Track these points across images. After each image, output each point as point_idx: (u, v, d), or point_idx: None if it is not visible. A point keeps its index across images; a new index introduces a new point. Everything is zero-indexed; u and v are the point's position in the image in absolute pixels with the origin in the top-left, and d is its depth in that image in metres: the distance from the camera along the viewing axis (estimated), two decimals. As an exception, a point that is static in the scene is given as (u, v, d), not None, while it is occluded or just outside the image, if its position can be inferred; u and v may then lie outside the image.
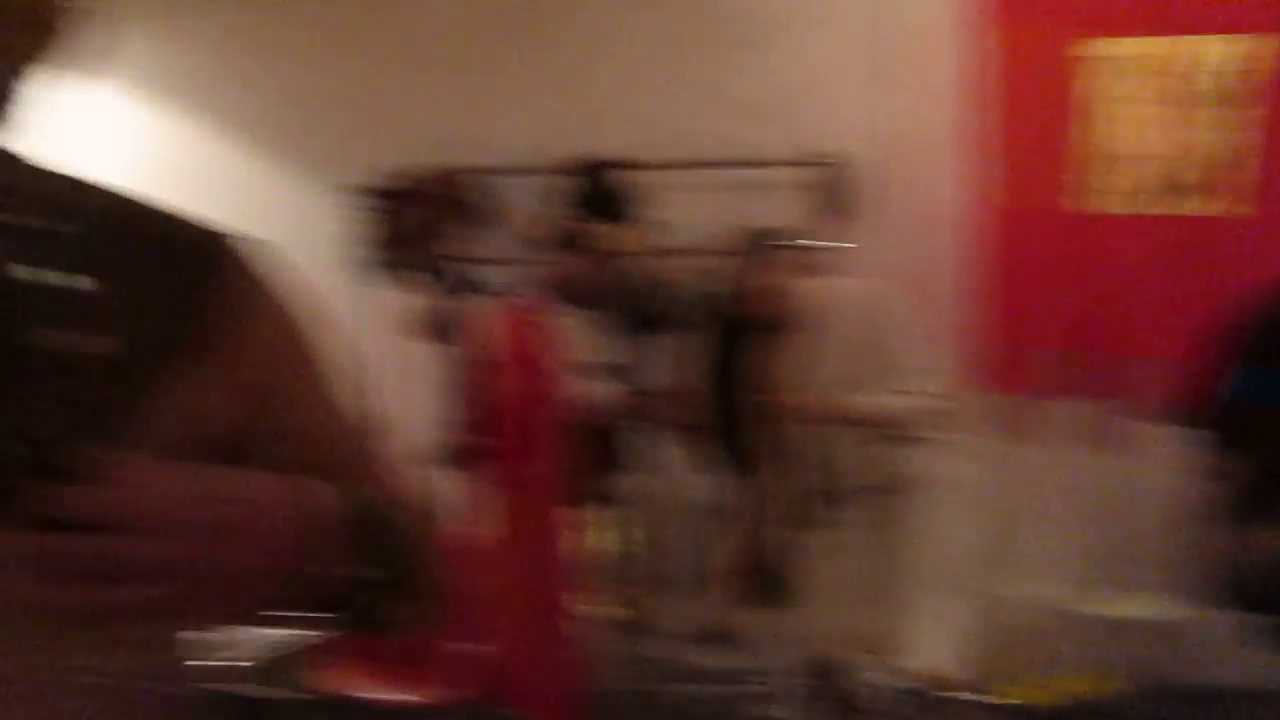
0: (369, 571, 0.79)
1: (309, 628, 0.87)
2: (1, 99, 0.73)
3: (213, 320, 0.80)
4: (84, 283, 0.74)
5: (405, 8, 3.80)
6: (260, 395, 0.84)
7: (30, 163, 0.82)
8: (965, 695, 3.13)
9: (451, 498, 3.20)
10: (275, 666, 2.99)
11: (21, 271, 0.73)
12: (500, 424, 3.09)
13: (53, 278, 0.74)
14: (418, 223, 3.28)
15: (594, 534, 3.23)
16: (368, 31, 3.80)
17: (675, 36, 3.65)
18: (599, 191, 3.23)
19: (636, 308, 3.16)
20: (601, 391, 3.08)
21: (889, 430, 2.82)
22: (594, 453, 3.11)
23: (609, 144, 3.43)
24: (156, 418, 0.76)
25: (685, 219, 3.34)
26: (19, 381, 0.70)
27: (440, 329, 3.26)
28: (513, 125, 3.64)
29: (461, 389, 3.21)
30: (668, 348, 3.24)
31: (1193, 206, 3.29)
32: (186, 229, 0.83)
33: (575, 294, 3.06)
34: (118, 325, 0.74)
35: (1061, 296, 3.38)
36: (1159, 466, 2.88)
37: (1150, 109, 3.29)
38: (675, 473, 3.35)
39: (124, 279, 0.76)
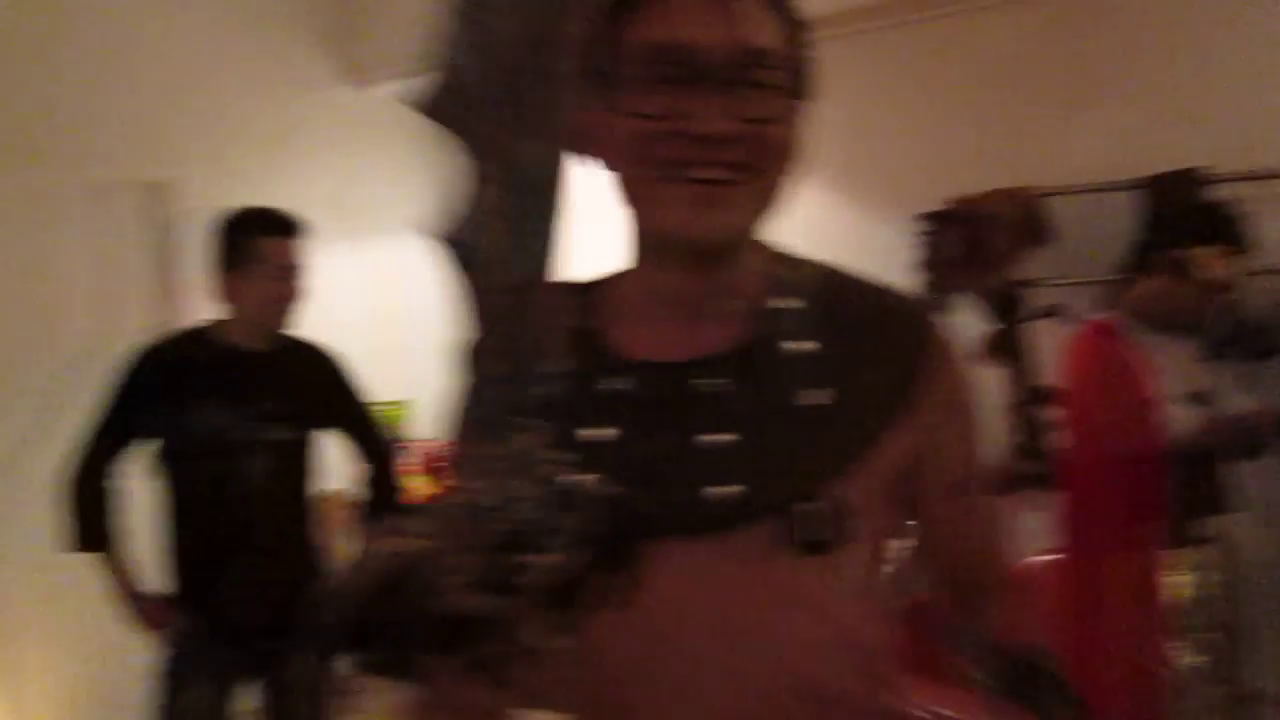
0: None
1: None
2: (771, 207, 0.92)
3: (913, 380, 0.95)
4: (810, 347, 0.92)
5: (972, 34, 3.80)
6: (932, 451, 0.98)
7: (774, 250, 0.99)
8: None
9: (1016, 526, 3.14)
10: None
11: (781, 344, 0.92)
12: (1077, 452, 2.98)
13: (792, 345, 0.92)
14: (982, 245, 3.25)
15: (1176, 575, 3.00)
16: (934, 60, 3.85)
17: (1264, 29, 3.32)
18: (1185, 208, 3.01)
19: (1233, 333, 2.91)
20: (1188, 421, 2.85)
21: None
22: (1179, 487, 2.90)
23: (1197, 155, 3.19)
24: (865, 466, 0.92)
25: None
26: (783, 435, 0.90)
27: (1003, 354, 3.21)
28: (1088, 141, 3.51)
29: (1029, 415, 3.14)
30: (1268, 374, 2.95)
31: None
32: (892, 299, 1.00)
33: (1158, 318, 2.87)
34: (836, 382, 0.91)
35: None
36: None
37: None
38: (1272, 512, 3.03)
39: (841, 343, 0.93)
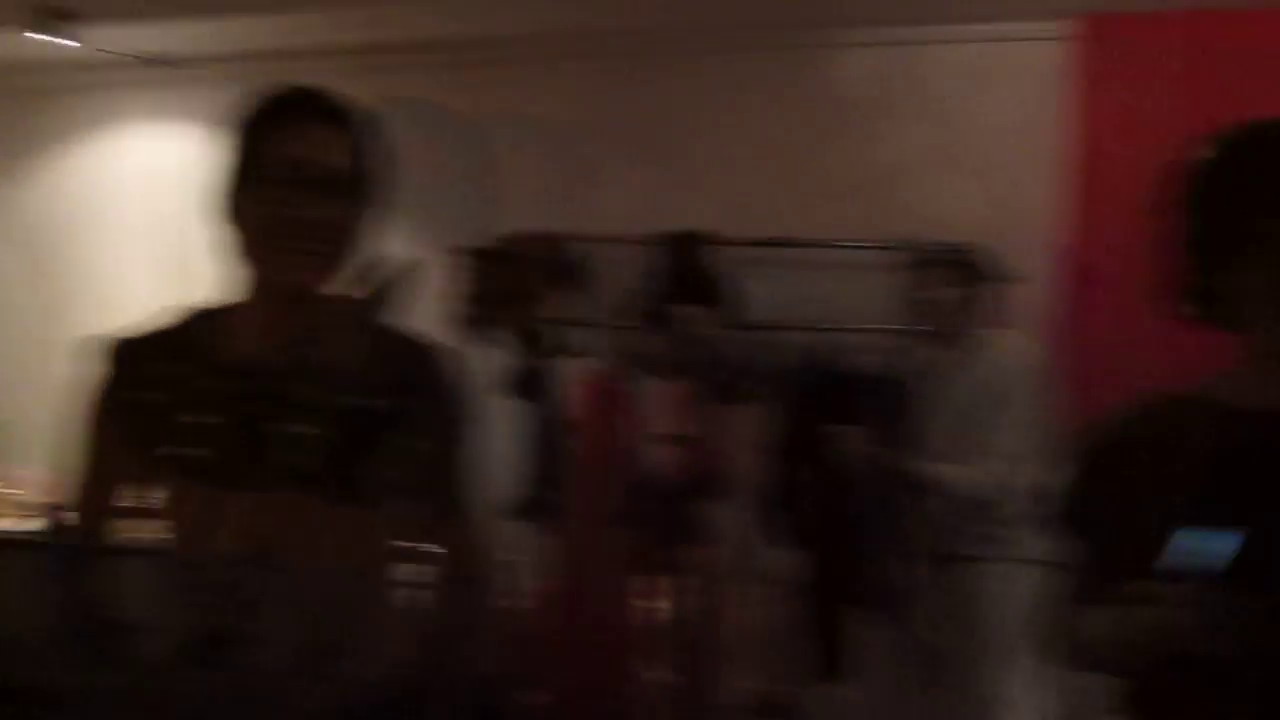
0: None
1: None
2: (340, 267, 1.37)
3: (413, 393, 1.40)
4: (346, 363, 1.38)
5: (515, 86, 4.01)
6: (432, 452, 1.43)
7: (337, 296, 1.41)
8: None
9: (527, 551, 3.30)
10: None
11: (326, 358, 1.38)
12: (574, 483, 3.19)
13: (334, 360, 1.38)
14: (513, 283, 3.41)
15: (658, 601, 3.29)
16: (509, 103, 4.02)
17: (772, 117, 3.77)
18: (687, 265, 3.32)
19: (716, 379, 3.23)
20: (675, 459, 3.15)
21: (967, 503, 2.85)
22: (662, 519, 3.18)
23: (702, 218, 3.54)
24: (380, 450, 1.37)
25: (771, 295, 3.42)
26: (327, 424, 1.35)
27: (526, 388, 3.36)
28: (614, 196, 3.79)
29: (541, 447, 3.32)
30: (746, 418, 3.30)
31: None
32: (405, 335, 1.49)
33: (656, 363, 3.16)
34: (363, 389, 1.37)
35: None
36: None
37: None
38: (742, 542, 3.39)
39: (367, 363, 1.39)
